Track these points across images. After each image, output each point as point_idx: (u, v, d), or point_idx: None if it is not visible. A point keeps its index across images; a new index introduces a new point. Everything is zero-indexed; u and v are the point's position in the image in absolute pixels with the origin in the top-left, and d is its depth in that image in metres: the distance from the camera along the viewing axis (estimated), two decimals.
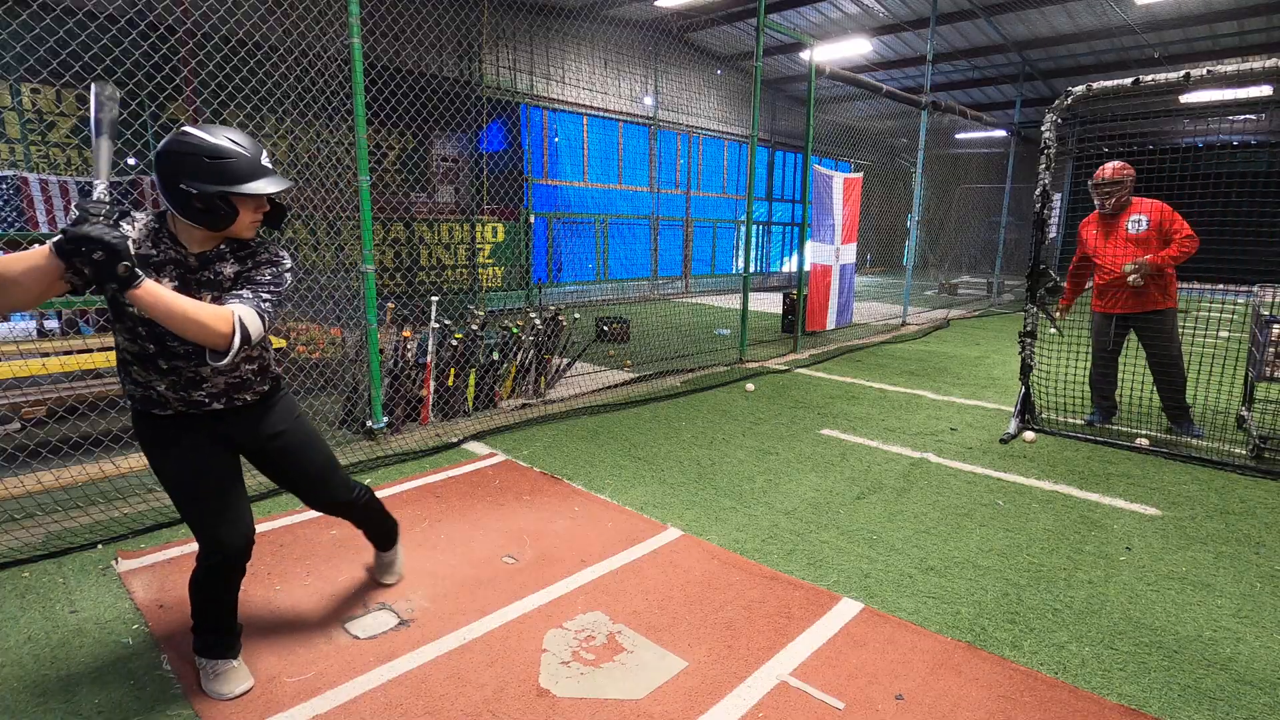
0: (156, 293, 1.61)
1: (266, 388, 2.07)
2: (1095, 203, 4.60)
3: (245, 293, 1.82)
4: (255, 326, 1.77)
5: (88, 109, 7.28)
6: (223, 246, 1.89)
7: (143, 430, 1.95)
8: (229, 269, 1.87)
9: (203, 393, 1.92)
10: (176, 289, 1.80)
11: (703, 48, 13.70)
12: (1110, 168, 4.51)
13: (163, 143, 1.76)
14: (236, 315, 1.73)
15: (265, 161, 1.84)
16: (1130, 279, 4.33)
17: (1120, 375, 4.78)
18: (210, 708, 1.99)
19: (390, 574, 2.67)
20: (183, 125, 1.78)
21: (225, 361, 1.73)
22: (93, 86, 1.73)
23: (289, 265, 1.97)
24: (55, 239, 1.56)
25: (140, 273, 1.58)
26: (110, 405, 4.25)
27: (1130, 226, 4.47)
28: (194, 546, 2.92)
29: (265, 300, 1.84)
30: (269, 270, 1.90)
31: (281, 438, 2.11)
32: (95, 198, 1.62)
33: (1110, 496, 3.68)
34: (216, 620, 2.07)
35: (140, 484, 3.51)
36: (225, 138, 1.78)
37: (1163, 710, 2.06)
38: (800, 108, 16.48)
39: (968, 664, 2.26)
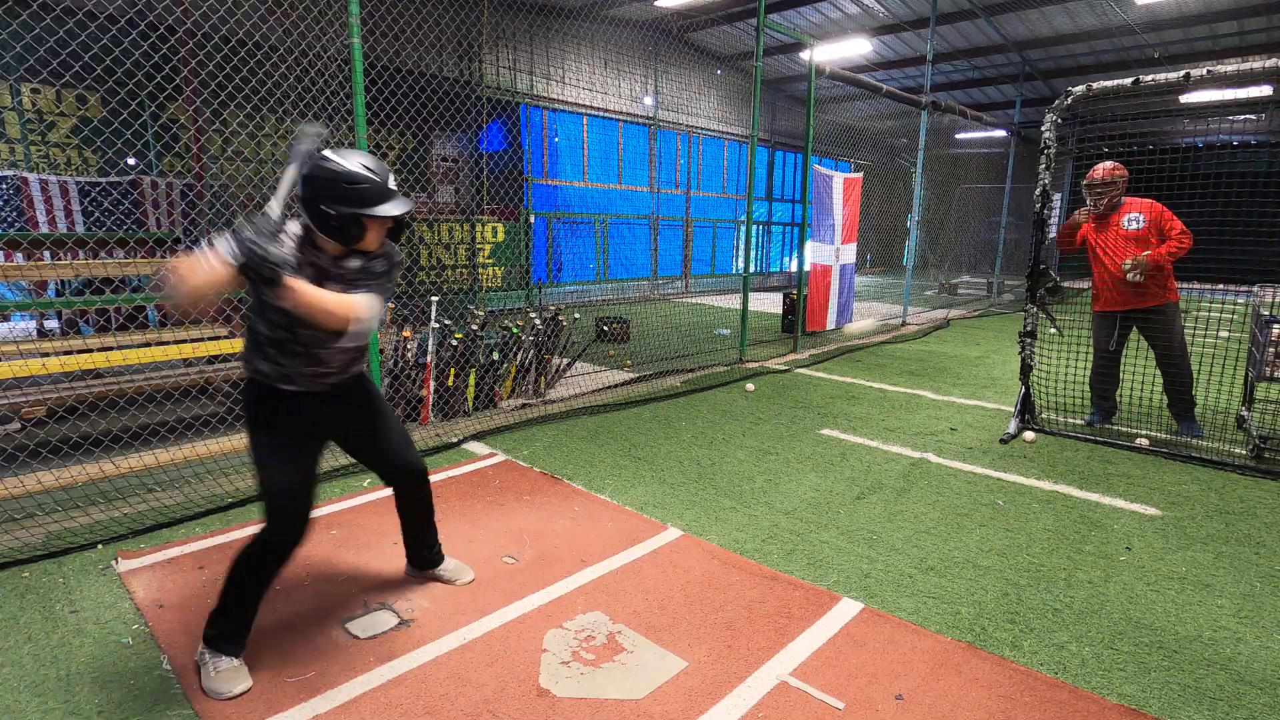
0: (295, 288, 1.89)
1: (362, 368, 2.37)
2: (1088, 203, 4.61)
3: (369, 285, 2.12)
4: (372, 313, 2.07)
5: (84, 109, 7.33)
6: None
7: (257, 405, 2.17)
8: (354, 263, 2.14)
9: (327, 369, 2.18)
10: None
11: (703, 48, 13.69)
12: (1102, 169, 4.52)
13: (306, 166, 2.02)
14: (357, 305, 2.02)
15: (392, 184, 2.07)
16: (1129, 276, 4.35)
17: (1121, 375, 4.78)
18: (210, 707, 1.99)
19: (463, 575, 2.73)
20: (323, 150, 2.05)
21: (344, 341, 2.07)
22: (303, 125, 2.11)
23: (399, 260, 2.28)
24: (225, 250, 1.80)
25: (282, 273, 1.85)
26: (110, 405, 4.24)
27: (1126, 224, 4.49)
28: (195, 546, 2.93)
29: (381, 293, 2.14)
30: (381, 262, 2.19)
31: (373, 407, 2.41)
32: (266, 212, 1.92)
33: (1110, 496, 3.68)
34: (242, 608, 2.13)
35: (140, 484, 3.51)
36: (359, 164, 2.03)
37: (1163, 710, 2.06)
38: (800, 108, 16.48)
39: (968, 664, 2.26)
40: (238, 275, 1.82)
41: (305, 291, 1.91)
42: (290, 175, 2.00)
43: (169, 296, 1.86)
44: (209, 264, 1.79)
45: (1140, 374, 4.90)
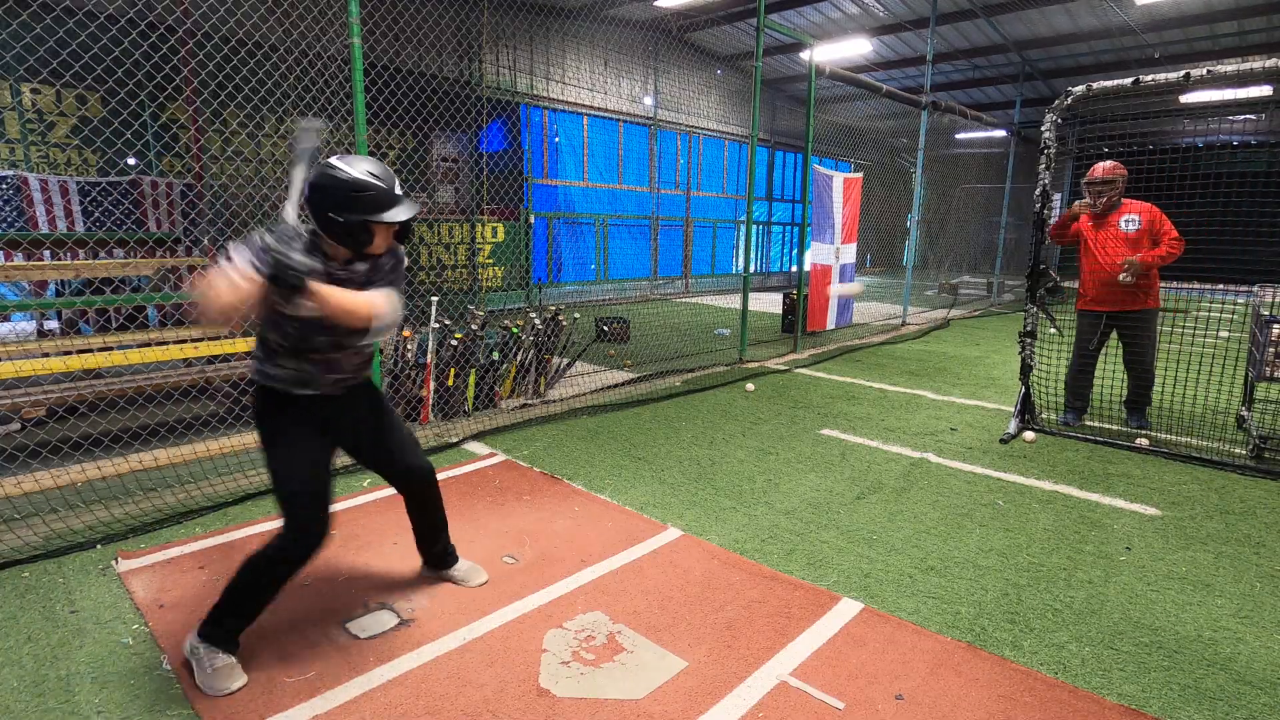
0: (319, 292, 1.91)
1: (369, 372, 2.39)
2: (1087, 200, 4.65)
3: (380, 283, 2.14)
4: (392, 308, 2.10)
5: (84, 109, 7.33)
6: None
7: (273, 412, 2.17)
8: (361, 266, 2.16)
9: (342, 373, 2.21)
10: None
11: (703, 48, 13.69)
12: (1101, 167, 4.56)
13: (312, 174, 2.03)
14: (377, 303, 2.05)
15: (398, 190, 2.08)
16: (1122, 278, 4.38)
17: (1095, 375, 4.84)
18: (210, 707, 1.99)
19: (474, 577, 2.71)
20: (328, 158, 2.04)
21: (366, 339, 2.12)
22: (299, 121, 2.12)
23: (403, 256, 2.29)
24: (244, 262, 1.84)
25: (308, 279, 1.88)
26: (110, 405, 4.25)
27: (1123, 225, 4.53)
28: (195, 546, 2.93)
29: (395, 288, 2.17)
30: (388, 259, 2.20)
31: (382, 410, 2.42)
32: (283, 218, 1.97)
33: (1110, 496, 3.68)
34: (250, 609, 2.12)
35: (140, 484, 3.51)
36: (365, 171, 2.03)
37: (1163, 710, 2.06)
38: (800, 108, 16.48)
39: (968, 664, 2.26)
40: (263, 287, 1.84)
41: (328, 294, 1.94)
42: (300, 175, 2.03)
43: (202, 316, 1.88)
44: (236, 280, 1.80)
45: (1122, 374, 4.92)
